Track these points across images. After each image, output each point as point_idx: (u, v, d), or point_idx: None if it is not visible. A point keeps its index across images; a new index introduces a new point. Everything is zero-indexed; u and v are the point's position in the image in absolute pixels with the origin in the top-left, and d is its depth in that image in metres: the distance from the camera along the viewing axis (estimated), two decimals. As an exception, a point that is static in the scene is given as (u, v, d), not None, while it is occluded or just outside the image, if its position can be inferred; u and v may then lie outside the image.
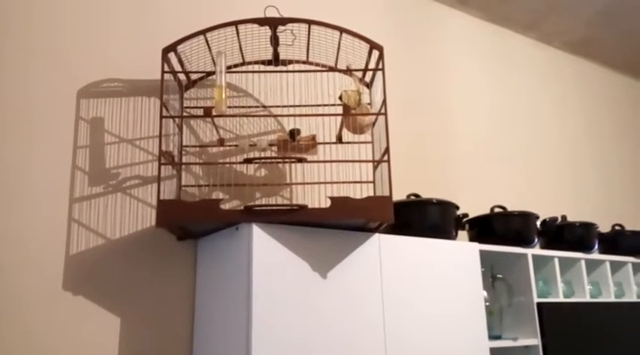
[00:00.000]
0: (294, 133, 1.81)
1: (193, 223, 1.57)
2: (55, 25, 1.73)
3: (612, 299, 2.44)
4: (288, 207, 1.55)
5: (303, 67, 1.86)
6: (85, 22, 1.78)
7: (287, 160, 1.81)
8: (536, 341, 2.05)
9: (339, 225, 1.64)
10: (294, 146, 1.77)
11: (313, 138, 1.83)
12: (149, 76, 1.83)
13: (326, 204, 1.58)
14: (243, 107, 1.99)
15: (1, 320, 1.47)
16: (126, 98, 1.80)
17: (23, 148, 1.60)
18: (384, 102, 1.66)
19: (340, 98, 1.74)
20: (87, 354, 1.56)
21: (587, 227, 2.44)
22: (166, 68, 1.64)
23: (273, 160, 1.87)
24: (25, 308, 1.50)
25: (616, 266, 2.63)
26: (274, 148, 1.88)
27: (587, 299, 2.33)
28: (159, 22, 1.91)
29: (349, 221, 1.59)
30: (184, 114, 1.84)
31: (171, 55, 1.67)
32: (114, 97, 1.79)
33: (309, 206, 1.56)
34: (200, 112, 1.78)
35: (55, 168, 1.63)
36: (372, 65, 1.77)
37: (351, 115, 1.73)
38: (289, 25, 1.69)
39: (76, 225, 1.63)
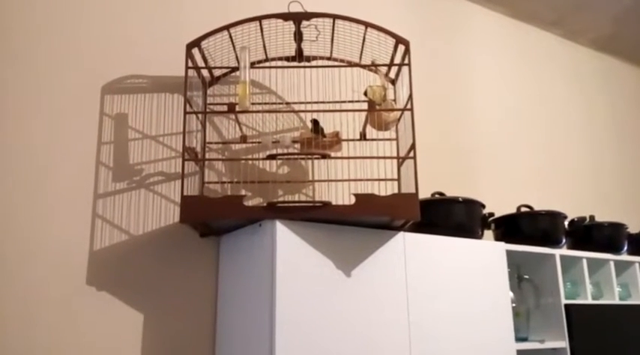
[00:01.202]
0: (316, 124, 1.76)
1: (217, 219, 1.56)
2: (79, 21, 1.73)
3: (642, 301, 2.37)
4: (312, 204, 1.53)
5: (327, 62, 1.84)
6: (109, 18, 1.79)
7: (310, 156, 1.79)
8: (564, 343, 2.00)
9: (363, 223, 1.61)
10: (317, 143, 1.75)
11: (337, 134, 1.81)
12: (173, 73, 1.83)
13: (350, 201, 1.55)
14: (266, 103, 1.98)
15: (26, 314, 1.47)
16: (150, 94, 1.80)
17: (48, 144, 1.60)
18: (410, 97, 1.63)
19: (365, 93, 1.71)
20: (110, 349, 1.56)
21: (617, 227, 2.38)
22: (190, 64, 1.64)
23: (296, 156, 1.85)
24: (49, 302, 1.50)
25: (646, 268, 2.56)
26: (297, 145, 1.86)
27: (617, 301, 2.27)
28: (182, 17, 1.91)
29: (374, 218, 1.57)
30: (208, 110, 1.83)
31: (195, 51, 1.67)
32: (138, 93, 1.78)
33: (333, 203, 1.53)
34: (224, 109, 1.77)
35: (80, 164, 1.64)
36: (397, 60, 1.74)
37: (377, 111, 1.70)
38: (313, 20, 1.67)
39: (99, 220, 1.63)
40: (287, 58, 1.85)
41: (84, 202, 1.62)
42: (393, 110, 1.72)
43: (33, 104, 1.61)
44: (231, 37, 1.67)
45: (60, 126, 1.63)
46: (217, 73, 1.85)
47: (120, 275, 1.62)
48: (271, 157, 1.72)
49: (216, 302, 1.75)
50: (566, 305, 2.04)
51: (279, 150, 1.87)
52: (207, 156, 1.81)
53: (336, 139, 1.79)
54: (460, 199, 1.92)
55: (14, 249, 1.49)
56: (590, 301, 2.15)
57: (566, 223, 2.23)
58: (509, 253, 1.98)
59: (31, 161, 1.57)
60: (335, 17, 1.65)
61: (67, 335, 1.51)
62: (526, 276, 2.12)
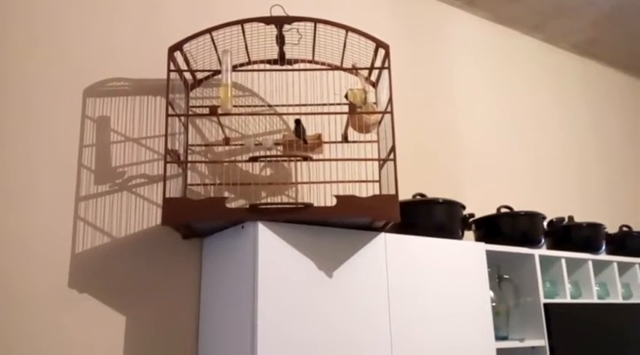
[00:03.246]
0: (298, 123, 1.77)
1: (199, 221, 1.57)
2: (61, 24, 1.73)
3: (620, 300, 2.42)
4: (294, 206, 1.55)
5: (308, 66, 1.85)
6: (91, 21, 1.79)
7: (293, 159, 1.80)
8: (543, 342, 2.03)
9: (344, 224, 1.63)
10: (299, 145, 1.77)
11: (319, 137, 1.83)
12: (155, 75, 1.84)
13: (332, 202, 1.57)
14: (248, 106, 2.00)
15: (7, 318, 1.47)
16: (132, 97, 1.81)
17: (29, 147, 1.60)
18: (390, 100, 1.66)
19: (346, 96, 1.73)
20: (92, 352, 1.56)
21: (595, 227, 2.42)
22: (172, 67, 1.65)
23: (279, 158, 1.87)
24: (31, 306, 1.50)
25: (624, 268, 2.61)
26: (280, 147, 1.88)
27: (595, 300, 2.31)
28: (165, 21, 1.92)
29: (355, 220, 1.59)
30: (190, 112, 1.84)
31: (177, 54, 1.68)
32: (120, 96, 1.79)
33: (315, 204, 1.55)
34: (206, 111, 1.78)
35: (62, 166, 1.64)
36: (378, 64, 1.77)
37: (357, 114, 1.72)
38: (295, 24, 1.69)
39: (81, 223, 1.63)
40: (269, 61, 1.87)
41: (66, 205, 1.62)
42: (373, 113, 1.74)
43: (14, 106, 1.61)
44: (213, 40, 1.69)
45: (42, 128, 1.63)
46: (200, 75, 1.86)
47: (102, 277, 1.63)
48: (253, 159, 1.73)
49: (199, 304, 1.76)
50: (545, 304, 2.07)
51: (262, 153, 1.89)
52: (189, 158, 1.82)
53: (318, 141, 1.81)
54: (440, 200, 1.95)
55: (-5, 251, 1.49)
56: (568, 300, 2.19)
57: (545, 223, 2.27)
58: (489, 253, 2.01)
59: (12, 164, 1.57)
60: (316, 21, 1.67)
61: (49, 338, 1.51)
62: (506, 276, 2.16)
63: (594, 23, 3.14)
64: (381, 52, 1.71)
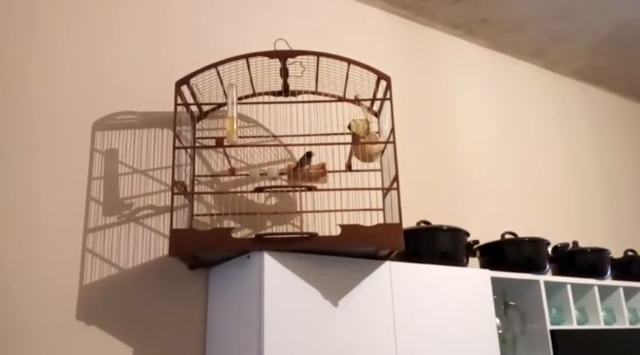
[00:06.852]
0: (305, 159, 1.81)
1: (205, 252, 1.59)
2: (70, 59, 1.78)
3: (627, 325, 2.40)
4: (299, 235, 1.57)
5: (312, 97, 1.89)
6: (100, 56, 1.84)
7: (297, 189, 1.83)
8: (550, 369, 2.02)
9: (349, 253, 1.65)
10: (304, 174, 1.80)
11: (323, 166, 1.86)
12: (162, 108, 1.88)
13: (336, 231, 1.59)
14: (253, 137, 2.03)
15: (16, 349, 1.48)
16: (140, 130, 1.85)
17: (39, 179, 1.63)
18: (392, 130, 1.69)
19: (349, 127, 1.77)
20: (99, 384, 1.56)
21: (600, 253, 2.42)
22: (179, 100, 1.68)
23: (283, 189, 1.89)
24: (39, 337, 1.51)
25: (630, 292, 2.60)
26: (284, 177, 1.90)
27: (602, 325, 2.30)
28: (172, 55, 1.97)
29: (360, 248, 1.60)
30: (196, 144, 1.87)
31: (184, 88, 1.72)
32: (128, 129, 1.83)
33: (320, 234, 1.57)
34: (212, 143, 1.81)
35: (70, 198, 1.67)
36: (379, 94, 1.80)
37: (360, 144, 1.75)
38: (298, 57, 1.73)
39: (90, 255, 1.65)
40: (274, 93, 1.91)
41: (74, 237, 1.64)
42: (375, 143, 1.77)
43: (25, 140, 1.64)
44: (219, 74, 1.73)
45: (51, 161, 1.66)
46: (206, 107, 1.90)
47: (109, 309, 1.64)
48: (259, 190, 1.76)
49: (206, 334, 1.76)
50: (551, 331, 2.07)
51: (267, 182, 1.91)
52: (196, 189, 1.85)
53: (322, 171, 1.84)
54: (444, 227, 1.96)
55: (5, 283, 1.51)
56: (575, 326, 2.18)
57: (549, 249, 2.27)
58: (494, 280, 2.01)
59: (22, 196, 1.59)
60: (319, 55, 1.71)
61: (57, 370, 1.51)
62: (512, 303, 2.15)
63: (593, 49, 3.19)
64: (383, 83, 1.75)
